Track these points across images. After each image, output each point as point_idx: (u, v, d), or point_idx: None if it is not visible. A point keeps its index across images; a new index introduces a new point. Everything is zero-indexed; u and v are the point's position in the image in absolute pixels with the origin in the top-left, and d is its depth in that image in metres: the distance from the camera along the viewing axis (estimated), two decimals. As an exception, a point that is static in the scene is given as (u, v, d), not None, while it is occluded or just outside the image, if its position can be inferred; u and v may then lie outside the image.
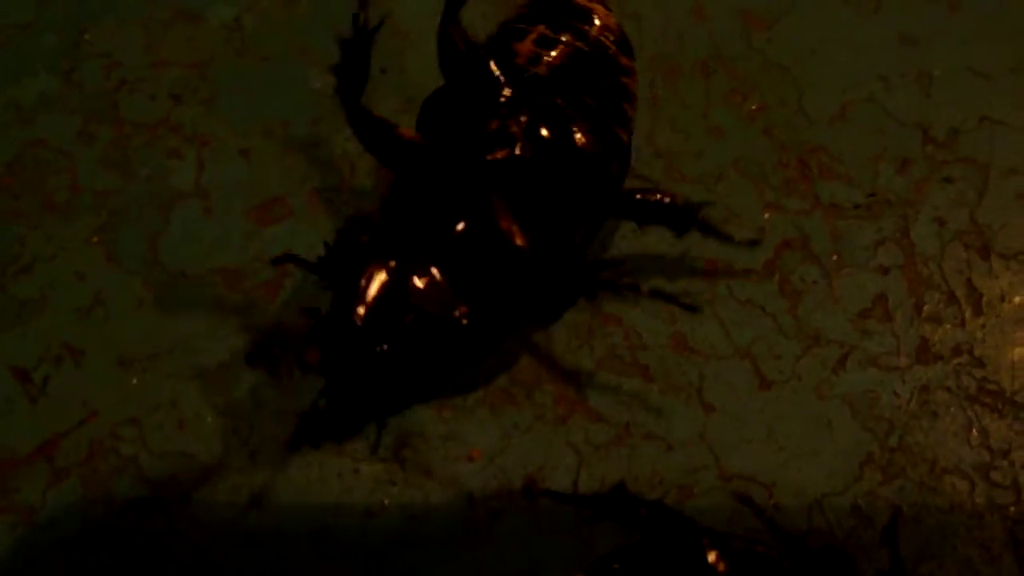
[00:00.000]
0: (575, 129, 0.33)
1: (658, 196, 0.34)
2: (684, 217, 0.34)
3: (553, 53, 0.34)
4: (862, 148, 0.41)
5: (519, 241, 0.32)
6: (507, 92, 0.33)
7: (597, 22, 0.36)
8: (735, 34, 0.43)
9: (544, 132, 0.33)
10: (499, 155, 0.32)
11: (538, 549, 0.33)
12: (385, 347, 0.31)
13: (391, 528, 0.34)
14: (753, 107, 0.42)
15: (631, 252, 0.39)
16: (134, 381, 0.36)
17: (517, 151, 0.33)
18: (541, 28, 0.35)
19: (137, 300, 0.38)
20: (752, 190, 0.40)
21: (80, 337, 0.37)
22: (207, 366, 0.36)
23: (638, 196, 0.34)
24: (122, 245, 0.39)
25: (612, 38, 0.36)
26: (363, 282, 0.31)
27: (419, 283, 0.31)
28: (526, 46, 0.35)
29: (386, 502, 0.34)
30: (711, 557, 0.28)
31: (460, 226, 0.32)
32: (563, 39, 0.35)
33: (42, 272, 0.38)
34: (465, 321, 0.32)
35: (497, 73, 0.33)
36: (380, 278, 0.31)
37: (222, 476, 0.35)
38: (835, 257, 0.39)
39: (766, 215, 0.39)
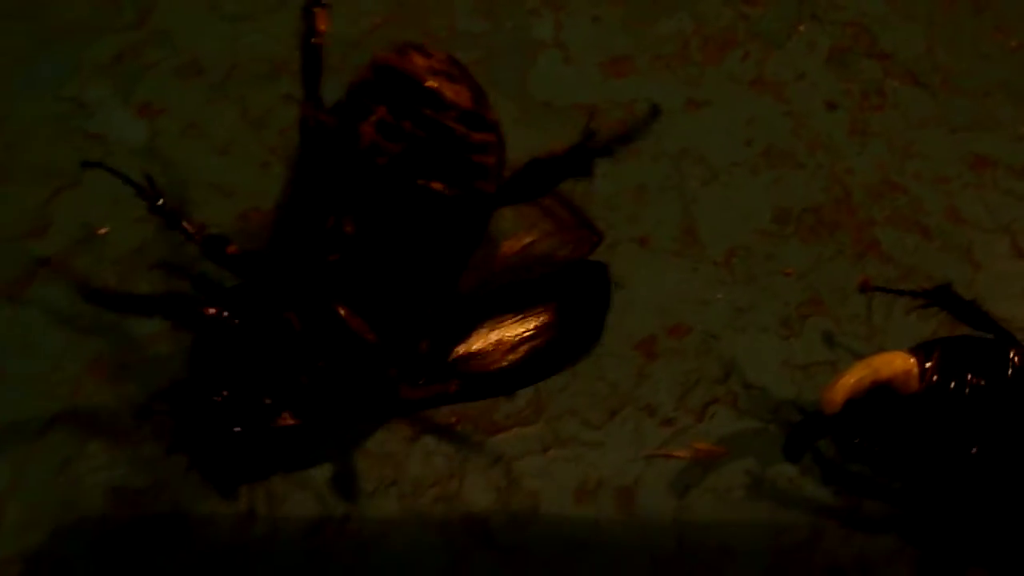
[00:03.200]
0: (415, 222, 0.32)
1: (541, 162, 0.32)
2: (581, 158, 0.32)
3: (393, 143, 0.32)
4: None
5: (369, 336, 0.33)
6: (345, 187, 0.32)
7: (444, 103, 0.32)
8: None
9: (379, 228, 0.32)
10: (333, 257, 0.32)
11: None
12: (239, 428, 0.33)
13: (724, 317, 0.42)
14: (1013, 44, 0.50)
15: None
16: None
17: (352, 250, 0.32)
18: (382, 111, 0.32)
19: (512, 119, 0.46)
20: (1013, 108, 0.48)
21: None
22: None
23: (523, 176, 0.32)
24: (496, 74, 0.47)
25: (460, 117, 0.32)
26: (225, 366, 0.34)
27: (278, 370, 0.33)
28: (368, 130, 0.32)
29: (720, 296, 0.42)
30: (1014, 352, 0.36)
31: (310, 322, 0.33)
32: (405, 127, 0.32)
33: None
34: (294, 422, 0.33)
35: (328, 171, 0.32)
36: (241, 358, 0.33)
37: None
38: (1082, 172, 0.47)
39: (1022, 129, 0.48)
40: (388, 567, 0.36)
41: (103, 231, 0.43)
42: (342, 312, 0.33)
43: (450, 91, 0.32)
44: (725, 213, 0.44)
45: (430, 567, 0.36)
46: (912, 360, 0.36)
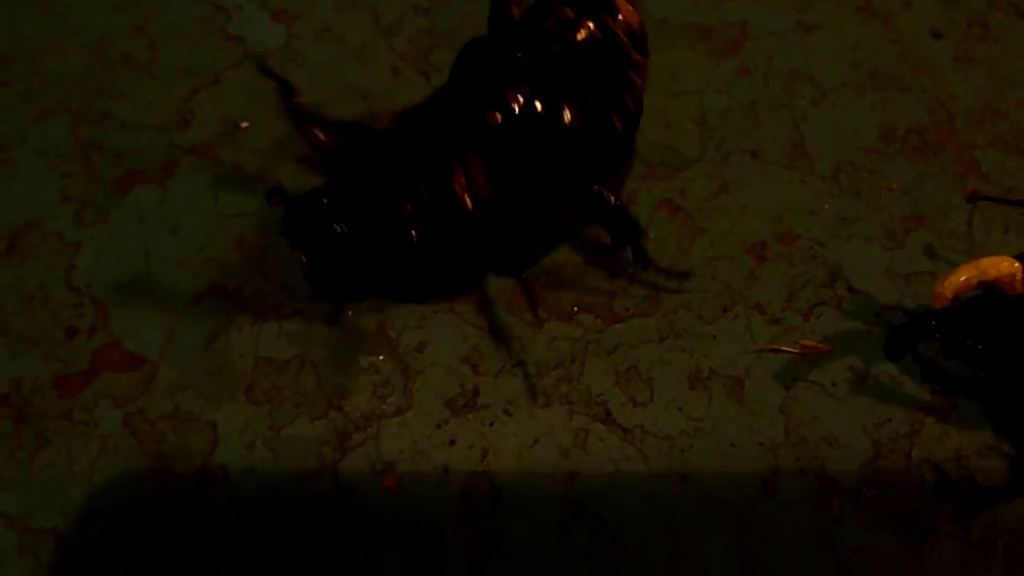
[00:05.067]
0: (568, 110, 0.37)
1: (614, 201, 0.38)
2: (627, 233, 0.39)
3: (570, 35, 0.38)
4: None
5: (467, 201, 0.37)
6: (518, 62, 0.37)
7: (619, 16, 0.38)
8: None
9: (537, 108, 0.36)
10: (488, 118, 0.36)
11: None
12: (344, 228, 0.37)
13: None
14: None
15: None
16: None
17: (506, 118, 0.36)
18: (567, 10, 0.38)
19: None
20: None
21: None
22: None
23: (597, 192, 0.37)
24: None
25: (629, 33, 0.39)
26: (350, 179, 0.37)
27: (400, 193, 0.37)
28: (550, 23, 0.38)
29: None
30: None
31: (429, 168, 0.37)
32: (583, 23, 0.38)
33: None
34: (415, 236, 0.37)
35: (513, 43, 0.37)
36: (367, 180, 0.37)
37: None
38: None
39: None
40: (514, 438, 0.39)
41: (245, 125, 0.46)
42: (463, 167, 0.37)
43: (626, 10, 0.39)
44: (832, 130, 0.46)
45: (553, 440, 0.39)
46: (1018, 264, 0.38)
